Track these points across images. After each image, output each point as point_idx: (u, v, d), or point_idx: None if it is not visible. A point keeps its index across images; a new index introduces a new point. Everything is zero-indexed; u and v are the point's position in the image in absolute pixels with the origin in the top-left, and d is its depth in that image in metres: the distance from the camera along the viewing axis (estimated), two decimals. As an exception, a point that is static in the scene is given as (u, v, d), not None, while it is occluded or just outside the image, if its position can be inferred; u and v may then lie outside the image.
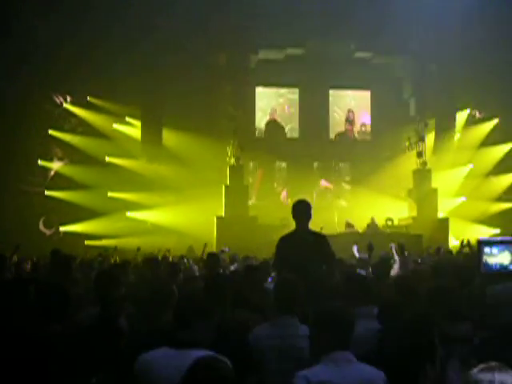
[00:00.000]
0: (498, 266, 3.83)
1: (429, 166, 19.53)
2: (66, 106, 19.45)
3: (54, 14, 17.33)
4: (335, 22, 18.20)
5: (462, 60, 18.98)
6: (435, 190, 19.31)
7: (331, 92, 21.66)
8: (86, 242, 17.63)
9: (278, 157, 20.93)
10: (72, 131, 19.30)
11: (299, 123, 21.44)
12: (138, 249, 13.31)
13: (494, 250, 3.80)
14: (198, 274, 7.85)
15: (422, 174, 19.48)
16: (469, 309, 3.55)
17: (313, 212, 5.66)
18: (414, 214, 19.07)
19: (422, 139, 19.39)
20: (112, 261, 10.37)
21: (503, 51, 18.62)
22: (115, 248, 13.31)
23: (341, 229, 17.26)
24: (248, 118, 20.03)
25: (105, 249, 14.30)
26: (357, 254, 9.97)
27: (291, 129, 21.54)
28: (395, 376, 2.92)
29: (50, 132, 19.07)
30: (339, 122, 22.09)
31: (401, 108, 21.03)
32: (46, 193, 18.90)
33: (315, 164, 21.48)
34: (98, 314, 4.08)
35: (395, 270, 8.70)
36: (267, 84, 21.20)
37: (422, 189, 19.28)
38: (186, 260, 9.96)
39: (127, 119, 19.52)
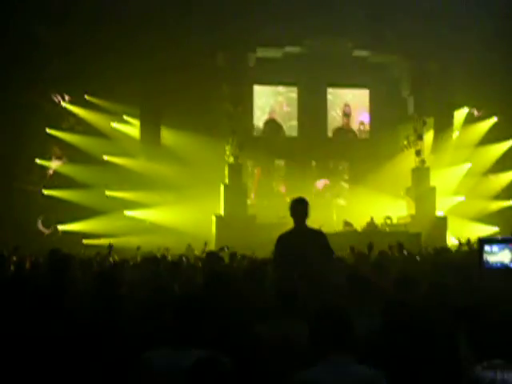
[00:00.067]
0: (498, 264, 3.84)
1: (427, 164, 19.56)
2: (65, 104, 19.40)
3: (53, 13, 17.30)
4: (333, 20, 18.20)
5: (461, 58, 18.99)
6: (433, 189, 19.34)
7: (330, 90, 21.65)
8: (85, 241, 17.61)
9: (276, 155, 20.91)
10: (70, 130, 19.24)
11: (298, 121, 21.43)
12: (138, 248, 13.30)
13: (495, 248, 3.80)
14: (197, 272, 7.83)
15: (421, 173, 19.51)
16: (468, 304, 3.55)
17: (311, 210, 5.67)
18: (413, 212, 19.11)
19: (421, 138, 19.41)
20: (111, 260, 10.34)
21: (502, 50, 18.63)
22: (110, 246, 12.76)
23: (339, 228, 17.31)
24: (246, 117, 20.02)
25: (102, 247, 14.21)
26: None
27: (290, 127, 21.52)
28: (397, 375, 2.91)
29: (48, 131, 19.01)
30: (338, 121, 22.07)
31: (399, 106, 21.04)
32: (44, 192, 18.86)
33: (313, 162, 21.45)
34: (96, 312, 4.08)
35: None
36: (265, 82, 21.17)
37: (420, 187, 19.31)
38: (184, 259, 9.94)
39: (126, 118, 19.47)
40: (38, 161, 19.14)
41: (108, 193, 18.42)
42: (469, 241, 12.44)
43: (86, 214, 18.14)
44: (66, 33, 17.34)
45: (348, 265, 7.17)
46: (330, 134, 21.79)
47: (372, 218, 17.85)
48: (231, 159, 18.53)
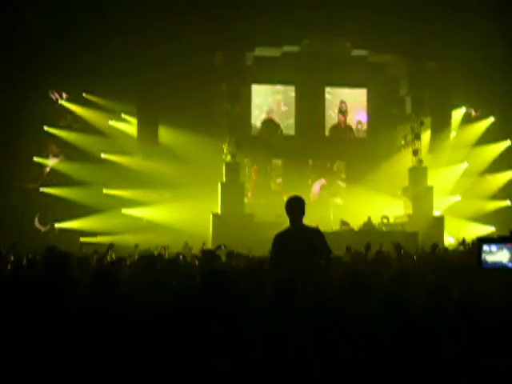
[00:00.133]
0: (496, 264, 3.84)
1: (424, 164, 19.58)
2: (62, 102, 19.37)
3: (51, 11, 17.26)
4: (332, 19, 18.20)
5: (458, 59, 19.00)
6: (431, 188, 19.36)
7: (327, 90, 21.64)
8: (82, 239, 17.60)
9: (274, 154, 20.91)
10: (68, 128, 19.21)
11: (295, 120, 21.42)
12: (136, 246, 13.27)
13: (493, 248, 3.80)
14: (194, 270, 7.83)
15: (418, 172, 19.53)
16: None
17: (307, 209, 5.67)
18: (410, 211, 19.13)
19: (418, 137, 19.44)
20: (108, 258, 10.32)
21: (499, 50, 18.66)
22: (111, 245, 12.93)
23: (336, 227, 17.33)
24: (244, 116, 20.01)
25: (99, 245, 14.20)
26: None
27: (287, 125, 21.50)
28: (398, 375, 2.91)
29: (46, 128, 18.98)
30: (336, 120, 22.05)
31: (397, 106, 21.05)
32: (42, 189, 18.83)
33: (310, 161, 21.45)
34: (94, 310, 4.07)
35: None
36: (263, 81, 21.15)
37: (417, 187, 19.33)
38: (181, 257, 9.93)
39: (123, 116, 19.44)
40: (35, 158, 19.11)
41: (105, 191, 18.43)
42: (464, 240, 12.45)
43: (84, 211, 18.15)
44: (64, 31, 17.29)
45: (345, 263, 7.17)
46: (327, 133, 21.79)
47: (369, 218, 17.88)
48: (228, 158, 18.53)
